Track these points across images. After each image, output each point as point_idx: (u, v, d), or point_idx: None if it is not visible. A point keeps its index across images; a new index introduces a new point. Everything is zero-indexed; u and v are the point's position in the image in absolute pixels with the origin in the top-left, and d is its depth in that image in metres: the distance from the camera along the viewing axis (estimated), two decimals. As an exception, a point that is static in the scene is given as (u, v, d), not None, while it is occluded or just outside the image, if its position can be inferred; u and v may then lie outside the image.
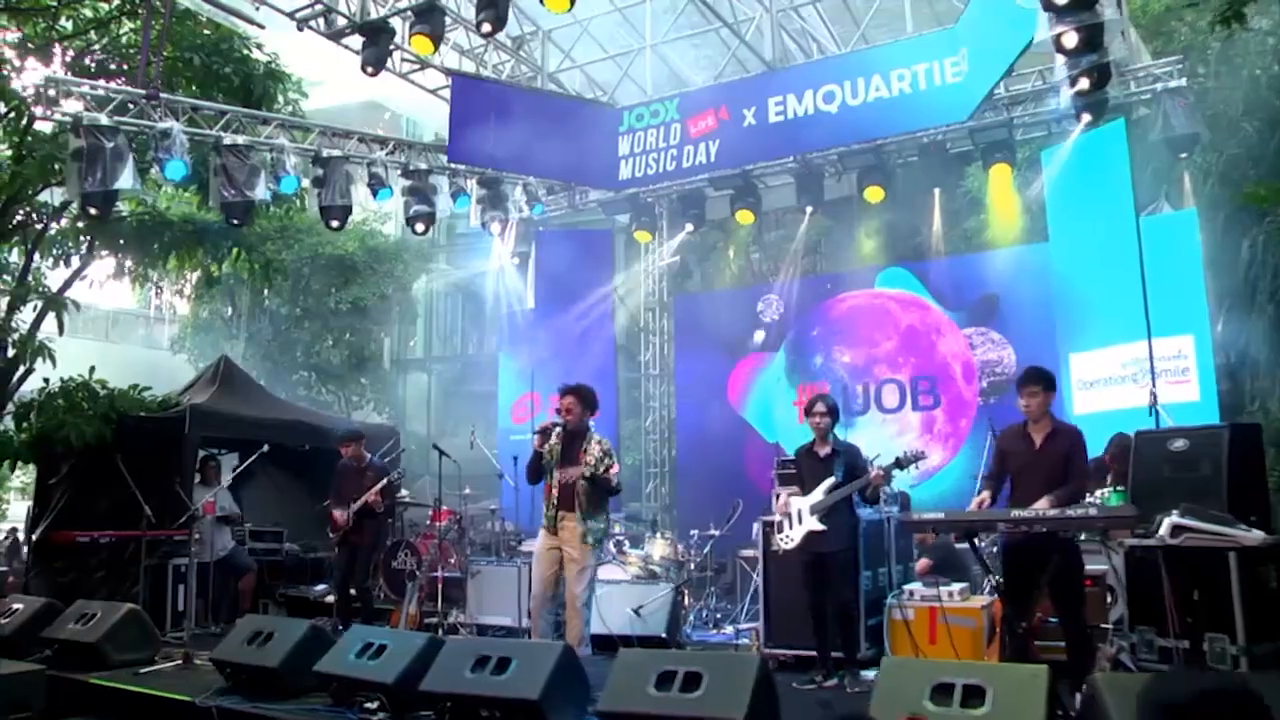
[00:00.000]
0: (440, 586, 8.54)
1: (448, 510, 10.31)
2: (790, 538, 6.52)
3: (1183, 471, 5.95)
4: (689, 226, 12.48)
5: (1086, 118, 8.53)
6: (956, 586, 6.79)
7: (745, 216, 12.13)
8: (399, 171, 10.62)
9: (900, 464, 6.31)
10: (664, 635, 7.75)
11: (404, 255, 18.79)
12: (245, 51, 9.95)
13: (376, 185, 10.21)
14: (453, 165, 11.19)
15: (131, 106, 8.49)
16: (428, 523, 10.34)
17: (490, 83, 11.46)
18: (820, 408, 6.55)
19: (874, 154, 11.00)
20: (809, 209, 12.01)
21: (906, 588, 6.92)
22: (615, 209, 12.99)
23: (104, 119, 8.04)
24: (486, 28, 8.97)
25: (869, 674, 6.47)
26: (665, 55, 12.73)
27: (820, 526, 6.37)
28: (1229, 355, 8.66)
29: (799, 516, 6.51)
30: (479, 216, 11.72)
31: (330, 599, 9.81)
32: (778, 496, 7.35)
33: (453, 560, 9.82)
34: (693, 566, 9.21)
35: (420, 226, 10.88)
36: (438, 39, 9.39)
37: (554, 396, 6.92)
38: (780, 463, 7.94)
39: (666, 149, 11.65)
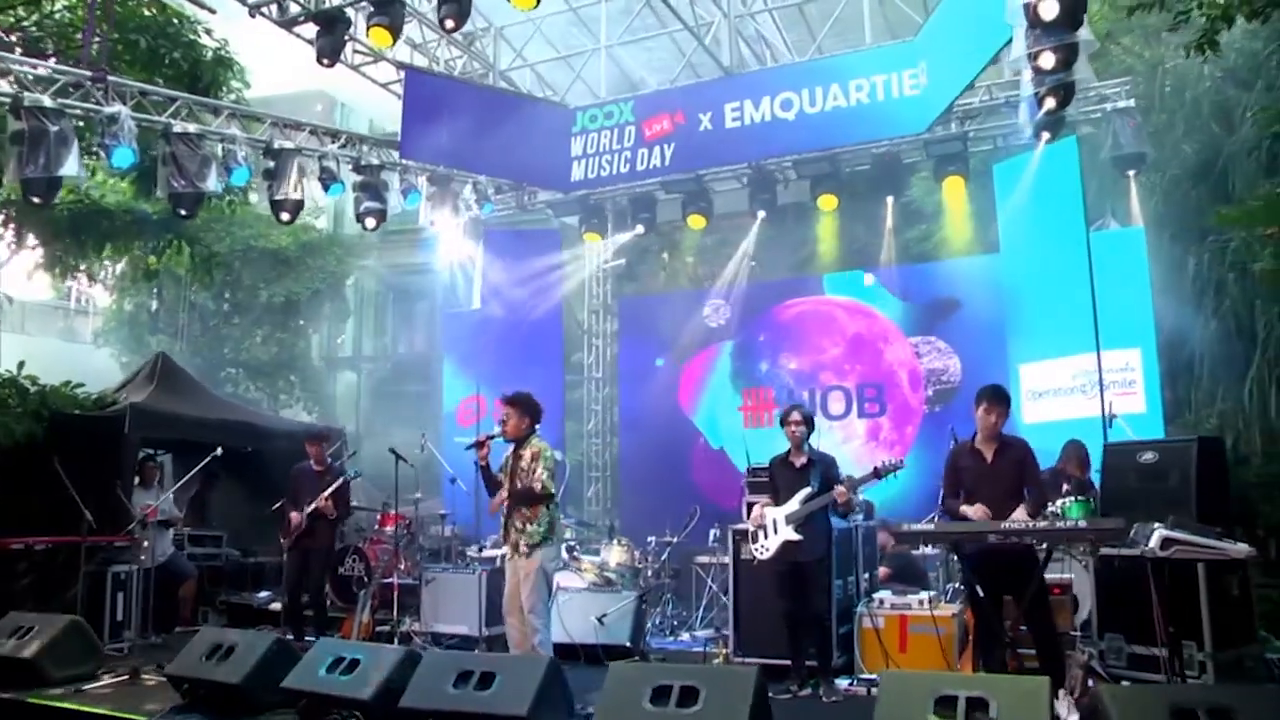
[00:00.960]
0: (396, 594, 8.29)
1: (397, 514, 10.06)
2: (766, 548, 6.50)
3: (1151, 483, 6.15)
4: (639, 229, 12.39)
5: (1046, 135, 8.72)
6: (926, 595, 6.87)
7: (696, 221, 12.12)
8: (350, 166, 10.29)
9: (879, 473, 6.37)
10: (628, 644, 7.67)
11: (336, 250, 18.31)
12: (193, 36, 9.53)
13: (328, 180, 9.88)
14: (404, 161, 10.91)
15: (73, 90, 8.02)
16: (376, 527, 10.08)
17: (444, 79, 11.23)
18: (796, 417, 6.55)
19: (829, 162, 11.09)
20: (760, 214, 12.00)
21: (876, 596, 6.98)
22: (564, 210, 12.87)
23: (47, 101, 7.57)
24: (450, 24, 8.80)
25: (843, 682, 6.54)
26: (618, 58, 12.65)
27: (797, 536, 6.38)
28: (1173, 368, 8.95)
29: (774, 526, 6.50)
30: (428, 214, 11.45)
31: (275, 606, 9.53)
32: (748, 507, 7.38)
33: (403, 566, 9.58)
34: (650, 573, 9.15)
35: (371, 222, 10.58)
36: (397, 31, 9.10)
37: (498, 401, 6.85)
38: (751, 470, 7.91)
39: (620, 151, 11.57)
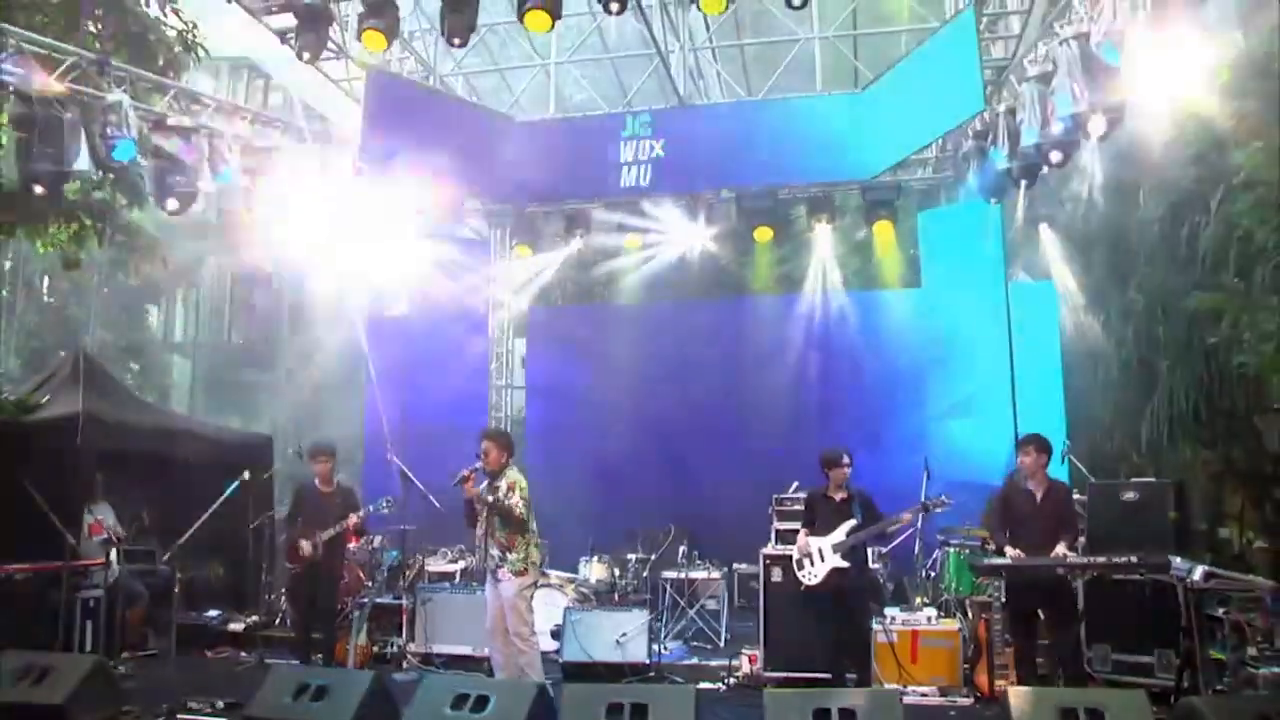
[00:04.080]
0: (404, 616, 8.16)
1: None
2: (815, 574, 7.10)
3: (1131, 518, 7.26)
4: (578, 245, 12.50)
5: (994, 200, 9.85)
6: (933, 611, 7.73)
7: (632, 242, 12.41)
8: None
9: (926, 508, 7.12)
10: (647, 661, 8.04)
11: (186, 231, 16.99)
12: (158, 15, 8.79)
13: (298, 180, 9.39)
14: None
15: (71, 73, 7.20)
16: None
17: (406, 83, 10.95)
18: (847, 460, 7.17)
19: (769, 196, 11.73)
20: (699, 235, 12.30)
21: (888, 612, 7.74)
22: (498, 221, 12.84)
23: (56, 85, 6.81)
24: (456, 41, 8.73)
25: (876, 694, 7.23)
26: (550, 73, 12.71)
27: (845, 564, 7.03)
28: (1077, 407, 10.35)
29: (821, 554, 7.11)
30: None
31: (234, 627, 9.09)
32: (777, 533, 8.00)
33: (370, 585, 9.38)
34: (628, 589, 9.50)
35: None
36: (392, 34, 8.90)
37: (480, 435, 7.11)
38: (778, 500, 8.47)
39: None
